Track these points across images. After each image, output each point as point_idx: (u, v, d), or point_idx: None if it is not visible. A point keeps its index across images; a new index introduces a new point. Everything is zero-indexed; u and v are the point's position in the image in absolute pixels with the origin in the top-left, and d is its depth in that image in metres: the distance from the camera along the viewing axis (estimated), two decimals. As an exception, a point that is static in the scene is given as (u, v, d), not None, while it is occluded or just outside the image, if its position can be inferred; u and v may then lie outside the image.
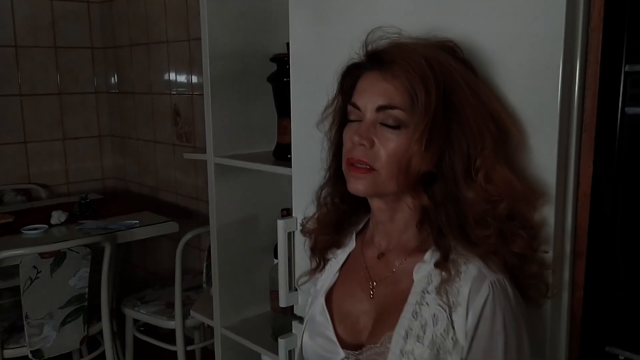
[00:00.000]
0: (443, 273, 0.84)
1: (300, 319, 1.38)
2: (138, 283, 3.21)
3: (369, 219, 1.01)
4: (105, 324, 2.31)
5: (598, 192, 0.92)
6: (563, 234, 0.95)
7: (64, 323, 2.18)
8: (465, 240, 0.84)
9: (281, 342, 1.36)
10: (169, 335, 2.45)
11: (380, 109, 0.85)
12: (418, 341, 0.82)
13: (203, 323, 2.53)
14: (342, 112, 0.93)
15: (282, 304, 1.37)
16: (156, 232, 2.49)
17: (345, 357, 0.90)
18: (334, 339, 0.93)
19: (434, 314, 0.83)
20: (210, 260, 1.80)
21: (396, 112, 0.83)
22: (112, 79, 3.44)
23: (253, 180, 1.78)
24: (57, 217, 2.45)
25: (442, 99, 0.82)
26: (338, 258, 1.01)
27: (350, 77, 0.92)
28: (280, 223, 1.35)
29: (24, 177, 3.24)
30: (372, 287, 0.93)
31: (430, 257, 0.87)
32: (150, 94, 3.13)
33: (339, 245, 1.02)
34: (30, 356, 2.14)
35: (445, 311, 0.82)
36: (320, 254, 1.03)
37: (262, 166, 1.55)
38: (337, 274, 1.00)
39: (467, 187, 0.83)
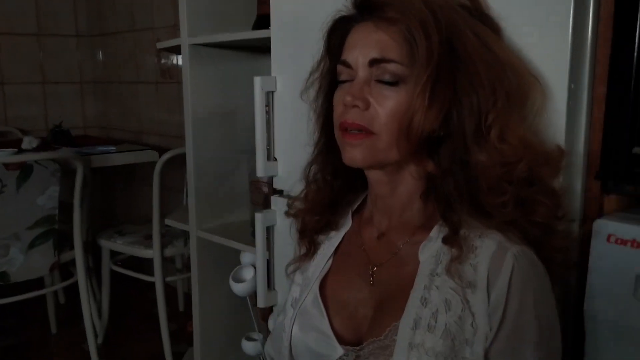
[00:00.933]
0: (453, 250, 0.72)
1: (281, 193, 1.24)
2: (117, 221, 3.07)
3: (366, 196, 0.88)
4: (77, 251, 2.15)
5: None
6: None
7: (32, 246, 2.04)
8: (478, 211, 0.72)
9: (258, 215, 1.21)
10: (148, 269, 2.30)
11: (373, 63, 0.73)
12: (429, 331, 0.71)
13: (183, 254, 2.40)
14: (330, 76, 0.80)
15: (261, 304, 1.25)
16: (134, 159, 2.35)
17: (344, 355, 0.78)
18: (330, 333, 0.80)
19: (446, 299, 0.71)
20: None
21: (393, 66, 0.72)
22: (95, 20, 3.29)
23: (232, 71, 1.63)
24: (29, 142, 2.30)
25: (446, 47, 0.70)
26: (332, 241, 0.88)
27: (338, 34, 0.79)
28: (259, 217, 1.21)
29: (0, 120, 3.09)
30: (372, 272, 0.82)
31: (437, 233, 0.75)
32: (133, 31, 2.98)
33: (332, 226, 0.89)
34: (-6, 279, 2.00)
35: (459, 294, 0.71)
36: (310, 238, 0.89)
37: (240, 34, 1.40)
38: (330, 259, 0.87)
39: (479, 148, 0.71)
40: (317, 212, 0.88)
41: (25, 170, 1.93)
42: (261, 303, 1.25)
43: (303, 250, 0.90)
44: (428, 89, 0.70)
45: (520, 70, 0.76)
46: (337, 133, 0.77)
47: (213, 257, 1.66)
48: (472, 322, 0.70)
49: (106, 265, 2.36)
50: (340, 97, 0.76)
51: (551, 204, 0.74)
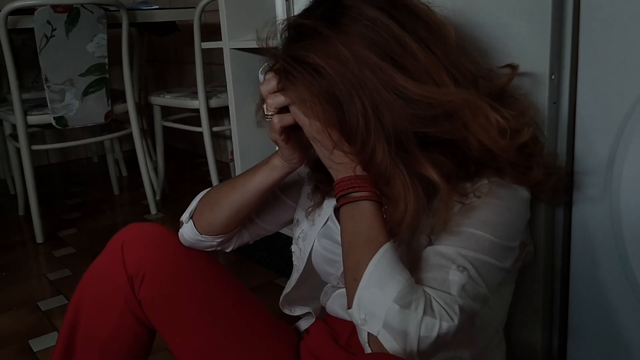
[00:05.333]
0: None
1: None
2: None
3: None
4: (129, 100, 2.28)
5: None
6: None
7: (86, 93, 2.16)
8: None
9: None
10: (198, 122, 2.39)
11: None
12: (407, 247, 0.77)
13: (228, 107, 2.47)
14: None
15: None
16: (176, 16, 2.41)
17: None
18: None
19: (422, 221, 0.76)
20: None
21: None
22: None
23: None
24: None
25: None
26: None
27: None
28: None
29: None
30: (384, 208, 0.79)
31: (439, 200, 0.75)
32: None
33: None
34: (53, 123, 2.14)
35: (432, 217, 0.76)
36: (321, 199, 0.91)
37: None
38: None
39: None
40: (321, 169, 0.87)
41: (72, 15, 2.03)
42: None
43: (316, 200, 0.92)
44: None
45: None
46: None
47: (247, 73, 1.71)
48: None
49: (158, 122, 2.48)
50: None
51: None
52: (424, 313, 0.64)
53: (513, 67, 0.80)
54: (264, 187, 0.86)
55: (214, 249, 0.96)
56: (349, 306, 0.69)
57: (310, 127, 0.71)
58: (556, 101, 0.86)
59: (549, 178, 0.81)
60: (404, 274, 0.67)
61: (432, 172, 0.69)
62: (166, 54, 3.42)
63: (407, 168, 0.69)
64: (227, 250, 0.99)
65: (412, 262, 0.73)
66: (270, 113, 0.76)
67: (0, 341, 1.50)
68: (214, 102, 2.30)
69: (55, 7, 1.98)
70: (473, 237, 0.71)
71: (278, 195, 0.98)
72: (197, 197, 0.96)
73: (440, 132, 0.69)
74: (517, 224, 0.76)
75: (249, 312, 0.97)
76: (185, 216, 0.94)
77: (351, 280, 0.69)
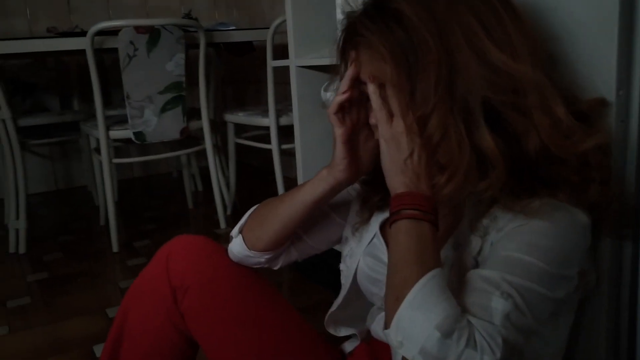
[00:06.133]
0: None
1: None
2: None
3: None
4: (204, 117, 2.36)
5: None
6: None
7: (163, 110, 2.26)
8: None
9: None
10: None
11: (373, 79, 0.75)
12: (451, 269, 0.74)
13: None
14: None
15: None
16: (252, 37, 2.48)
17: None
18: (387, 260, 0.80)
19: (470, 240, 0.74)
20: None
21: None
22: None
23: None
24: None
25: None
26: None
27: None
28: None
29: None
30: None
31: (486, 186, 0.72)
32: None
33: None
34: (133, 138, 2.25)
35: (481, 237, 0.73)
36: (369, 214, 0.90)
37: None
38: None
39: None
40: (379, 192, 0.87)
41: (153, 35, 2.13)
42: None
43: (365, 216, 0.91)
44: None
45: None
46: None
47: (312, 90, 1.71)
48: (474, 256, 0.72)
49: (232, 139, 2.55)
50: None
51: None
52: (466, 345, 0.59)
53: (603, 103, 0.76)
54: (312, 200, 0.84)
55: (261, 265, 0.95)
56: (387, 326, 0.66)
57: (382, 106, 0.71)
58: (624, 119, 0.79)
59: (610, 203, 0.73)
60: (450, 302, 0.63)
61: (490, 142, 0.66)
62: (245, 73, 3.52)
63: (466, 132, 0.67)
64: (275, 268, 0.98)
65: (454, 287, 0.69)
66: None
67: (66, 344, 1.57)
68: (284, 120, 2.33)
69: (137, 28, 2.10)
70: (520, 263, 0.66)
71: (327, 212, 0.96)
72: (248, 212, 0.96)
73: (506, 108, 0.67)
74: (573, 251, 0.70)
75: (293, 330, 0.95)
76: (234, 231, 0.94)
77: (393, 298, 0.66)
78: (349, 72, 0.76)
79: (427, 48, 0.67)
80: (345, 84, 0.76)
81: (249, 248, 0.91)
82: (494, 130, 0.68)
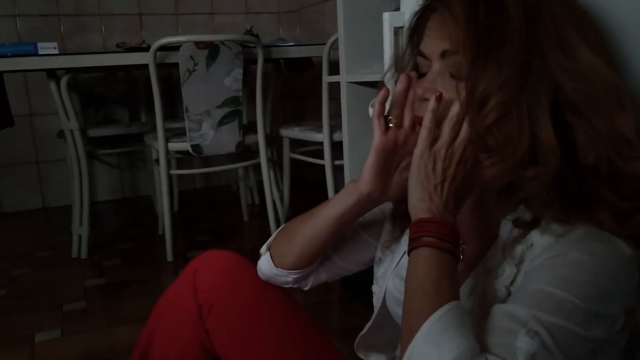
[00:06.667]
0: (518, 230, 0.68)
1: None
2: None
3: None
4: (260, 131, 2.39)
5: None
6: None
7: (220, 123, 2.30)
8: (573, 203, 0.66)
9: (385, 15, 1.21)
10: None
11: (444, 54, 0.69)
12: (482, 296, 0.70)
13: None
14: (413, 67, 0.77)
15: None
16: (310, 52, 2.49)
17: None
18: None
19: (503, 268, 0.69)
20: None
21: (460, 57, 0.67)
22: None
23: None
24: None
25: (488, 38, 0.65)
26: None
27: (420, 20, 0.75)
28: (386, 16, 1.18)
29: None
30: (462, 248, 0.75)
31: (523, 212, 0.69)
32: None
33: None
34: (190, 150, 2.30)
35: (515, 265, 0.68)
36: (401, 227, 0.86)
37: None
38: None
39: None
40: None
41: (212, 51, 2.18)
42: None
43: (395, 234, 0.87)
44: (479, 84, 0.64)
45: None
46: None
47: (362, 106, 1.69)
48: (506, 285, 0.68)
49: (286, 153, 2.56)
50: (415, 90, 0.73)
51: None
52: None
53: None
54: (335, 214, 0.81)
55: (290, 285, 0.93)
56: (400, 358, 0.62)
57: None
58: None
59: None
60: (467, 337, 0.59)
61: (550, 133, 0.62)
62: (305, 88, 3.55)
63: (528, 116, 0.63)
64: (305, 289, 0.96)
65: (481, 317, 0.65)
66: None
67: (113, 351, 1.62)
68: (338, 136, 2.31)
69: (197, 44, 2.15)
70: (552, 298, 0.60)
71: (357, 230, 0.93)
72: (279, 228, 0.95)
73: (574, 108, 0.64)
74: (614, 286, 0.63)
75: (318, 353, 0.92)
76: (263, 248, 0.93)
77: (408, 329, 0.62)
78: (401, 81, 0.71)
79: (508, 20, 0.64)
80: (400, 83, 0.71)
81: (276, 266, 0.89)
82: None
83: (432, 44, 0.71)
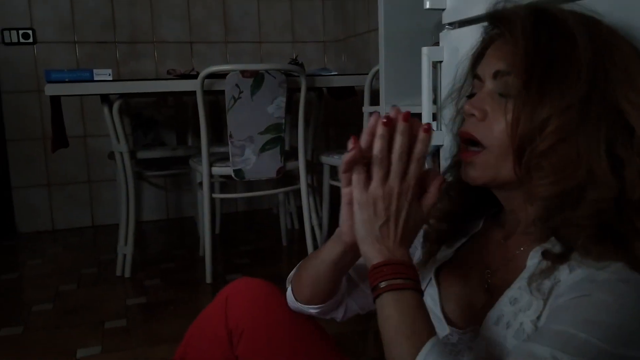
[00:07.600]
0: (546, 262, 0.68)
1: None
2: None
3: None
4: (300, 158, 2.42)
5: None
6: None
7: (263, 149, 2.35)
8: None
9: (424, 50, 1.23)
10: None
11: (497, 74, 0.72)
12: (507, 327, 0.69)
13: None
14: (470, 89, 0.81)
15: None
16: (353, 82, 2.53)
17: (449, 334, 0.78)
18: (440, 315, 0.80)
19: (530, 300, 0.69)
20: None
21: (512, 78, 0.70)
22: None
23: None
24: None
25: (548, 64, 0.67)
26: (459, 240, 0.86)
27: (481, 47, 0.79)
28: (425, 51, 1.20)
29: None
30: (488, 276, 0.79)
31: (553, 245, 0.70)
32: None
33: (459, 234, 0.85)
34: (232, 175, 2.36)
35: (543, 299, 0.68)
36: (430, 247, 0.87)
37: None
38: (452, 252, 0.85)
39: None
40: (447, 221, 0.85)
41: (257, 79, 2.25)
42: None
43: (425, 256, 0.87)
44: (529, 103, 0.67)
45: None
46: (459, 149, 0.77)
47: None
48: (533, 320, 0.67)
49: (326, 181, 2.59)
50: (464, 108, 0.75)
51: None
52: None
53: None
54: (330, 260, 0.82)
55: (319, 317, 0.94)
56: None
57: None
58: None
59: None
60: None
61: (605, 162, 0.64)
62: (348, 116, 3.58)
63: (587, 145, 0.65)
64: (338, 320, 0.96)
65: (502, 347, 0.66)
66: None
67: (151, 369, 1.66)
68: (379, 165, 2.33)
69: (243, 72, 2.22)
70: (574, 340, 0.60)
71: None
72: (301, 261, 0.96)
73: (631, 145, 0.65)
74: None
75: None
76: (287, 279, 0.94)
77: None
78: (366, 131, 0.70)
79: (574, 48, 0.66)
80: (363, 139, 0.70)
81: (296, 299, 0.90)
82: None
83: (488, 64, 0.73)
